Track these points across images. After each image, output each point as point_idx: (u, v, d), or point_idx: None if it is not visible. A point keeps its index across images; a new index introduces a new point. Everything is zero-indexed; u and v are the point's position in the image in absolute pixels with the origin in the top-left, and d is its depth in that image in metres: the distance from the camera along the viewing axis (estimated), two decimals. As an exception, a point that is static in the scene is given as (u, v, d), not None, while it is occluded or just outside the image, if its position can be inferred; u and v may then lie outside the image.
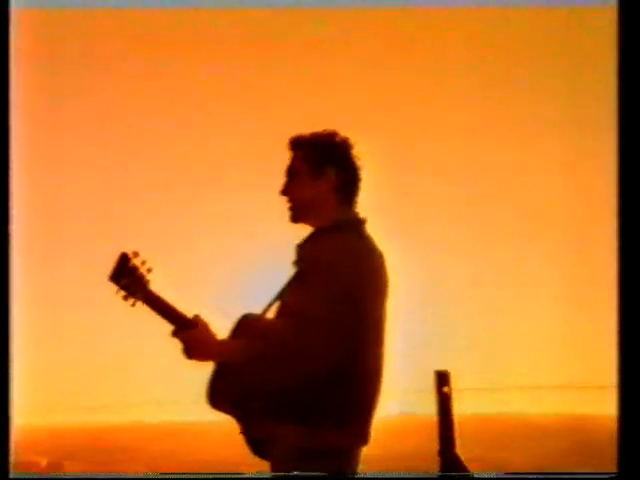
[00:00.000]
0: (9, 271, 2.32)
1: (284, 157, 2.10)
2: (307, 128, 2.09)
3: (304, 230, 2.09)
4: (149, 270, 1.99)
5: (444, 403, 3.73)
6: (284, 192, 2.08)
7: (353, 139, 2.06)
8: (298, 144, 2.06)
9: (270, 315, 2.06)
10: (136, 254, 1.98)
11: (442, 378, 3.76)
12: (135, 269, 1.97)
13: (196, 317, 1.99)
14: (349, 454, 1.94)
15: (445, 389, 3.73)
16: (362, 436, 1.94)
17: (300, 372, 1.84)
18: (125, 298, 1.98)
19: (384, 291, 1.99)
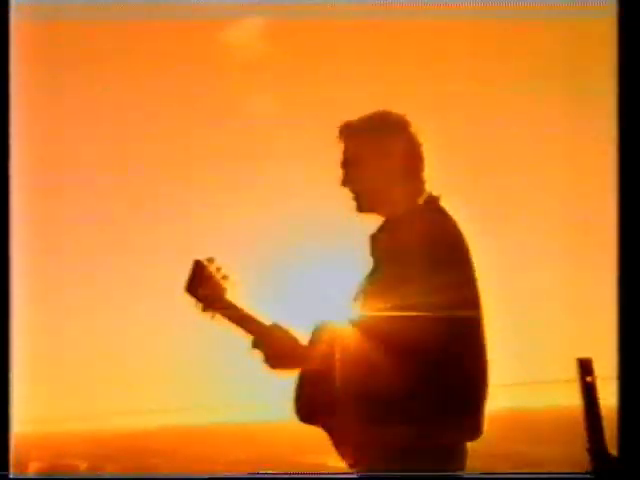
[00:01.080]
0: (10, 275, 2.30)
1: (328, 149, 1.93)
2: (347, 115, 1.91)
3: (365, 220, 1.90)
4: (224, 277, 1.86)
5: (589, 393, 3.30)
6: (346, 182, 1.89)
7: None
8: (352, 131, 1.88)
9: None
10: (211, 260, 1.86)
11: (585, 366, 3.36)
12: (211, 278, 1.84)
13: (274, 325, 1.85)
14: (457, 450, 1.75)
15: (589, 378, 3.40)
16: (474, 429, 1.73)
17: (400, 370, 1.63)
18: (204, 310, 1.86)
19: (474, 269, 1.78)
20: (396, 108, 1.90)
